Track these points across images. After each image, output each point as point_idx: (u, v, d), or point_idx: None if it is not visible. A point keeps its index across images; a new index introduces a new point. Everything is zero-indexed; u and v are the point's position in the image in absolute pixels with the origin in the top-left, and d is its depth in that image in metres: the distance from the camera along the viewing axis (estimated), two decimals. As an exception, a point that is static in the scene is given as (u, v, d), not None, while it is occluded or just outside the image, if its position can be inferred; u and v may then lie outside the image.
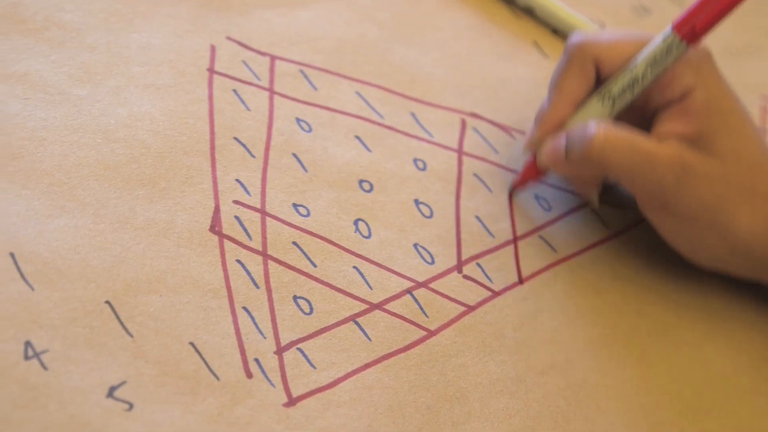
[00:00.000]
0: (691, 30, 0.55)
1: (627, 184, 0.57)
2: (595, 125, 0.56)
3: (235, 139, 0.56)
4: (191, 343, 0.49)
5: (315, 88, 0.60)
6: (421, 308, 0.54)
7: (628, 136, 0.56)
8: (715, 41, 0.60)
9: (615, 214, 0.61)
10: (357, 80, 0.61)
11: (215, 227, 0.53)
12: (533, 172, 0.60)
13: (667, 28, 0.56)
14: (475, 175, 0.60)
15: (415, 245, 0.56)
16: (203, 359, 0.49)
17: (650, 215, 0.58)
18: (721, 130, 0.56)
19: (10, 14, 0.56)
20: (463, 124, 0.62)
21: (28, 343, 0.47)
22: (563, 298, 0.57)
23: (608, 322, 0.57)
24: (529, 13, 0.70)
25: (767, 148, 0.58)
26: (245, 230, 0.54)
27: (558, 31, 0.70)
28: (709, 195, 0.56)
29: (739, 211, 0.56)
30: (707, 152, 0.56)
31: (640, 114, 0.59)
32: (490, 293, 0.56)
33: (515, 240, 0.58)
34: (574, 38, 0.59)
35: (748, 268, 0.58)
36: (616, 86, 0.57)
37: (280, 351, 0.51)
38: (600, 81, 0.59)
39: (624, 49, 0.58)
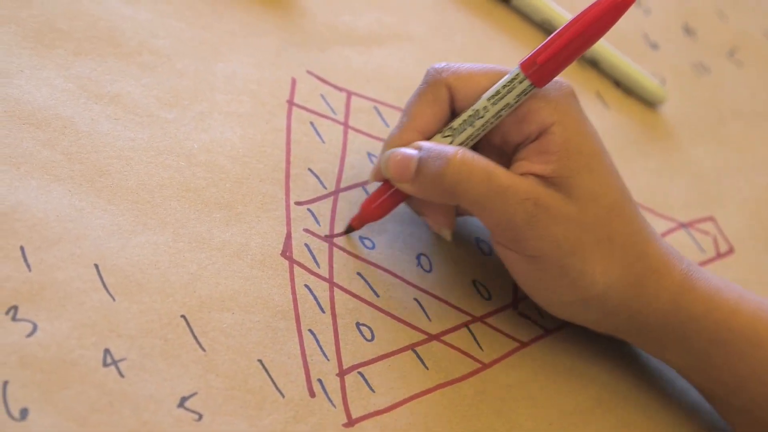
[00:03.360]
0: (536, 68, 0.53)
1: (479, 216, 0.54)
2: (455, 148, 0.53)
3: (309, 169, 0.59)
4: (259, 361, 0.52)
5: (387, 125, 0.62)
6: (477, 341, 0.57)
7: (485, 165, 0.53)
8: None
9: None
10: (426, 119, 0.64)
11: (286, 252, 0.56)
12: (374, 208, 0.57)
13: (516, 66, 0.54)
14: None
15: (474, 281, 0.59)
16: (270, 376, 0.51)
17: (501, 253, 0.55)
18: (580, 171, 0.53)
19: (107, 38, 0.58)
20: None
21: (107, 351, 0.49)
22: (612, 337, 0.59)
23: (654, 361, 0.59)
24: (594, 65, 0.72)
25: (627, 192, 0.55)
26: (314, 257, 0.56)
27: (620, 84, 0.72)
28: (563, 238, 0.53)
29: (594, 259, 0.53)
30: (565, 194, 0.53)
31: (498, 152, 0.56)
32: (543, 331, 0.58)
33: (570, 281, 0.61)
34: (435, 65, 0.56)
35: (601, 320, 0.55)
36: (458, 119, 0.55)
37: (342, 373, 0.53)
38: (455, 113, 0.56)
39: (478, 81, 0.55)
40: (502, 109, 0.54)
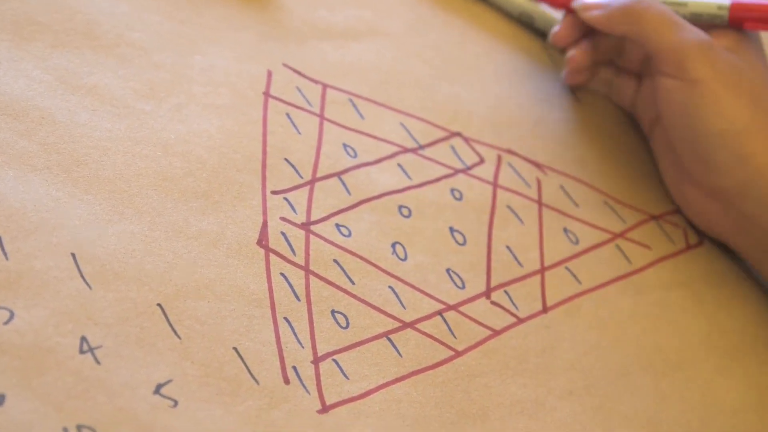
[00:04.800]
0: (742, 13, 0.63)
1: (651, 43, 0.62)
2: None
3: (285, 159, 0.59)
4: (234, 348, 0.52)
5: (362, 117, 0.63)
6: (450, 329, 0.57)
7: (669, 9, 0.62)
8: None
9: (639, 251, 0.64)
10: (402, 112, 0.64)
11: (262, 241, 0.56)
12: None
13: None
14: (508, 207, 0.63)
15: (448, 270, 0.59)
16: (245, 364, 0.52)
17: (661, 83, 0.62)
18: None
19: (84, 31, 0.59)
20: (499, 159, 0.65)
21: (83, 338, 0.49)
22: (584, 328, 0.60)
23: (626, 353, 0.60)
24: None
25: None
26: (290, 246, 0.57)
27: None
28: (725, 68, 0.61)
29: (743, 102, 0.61)
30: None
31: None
32: (515, 319, 0.59)
33: (542, 270, 0.61)
34: None
35: (735, 169, 0.61)
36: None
37: (316, 360, 0.54)
38: None
39: None
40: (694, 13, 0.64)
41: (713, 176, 0.61)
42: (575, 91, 0.70)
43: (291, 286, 0.55)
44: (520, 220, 0.63)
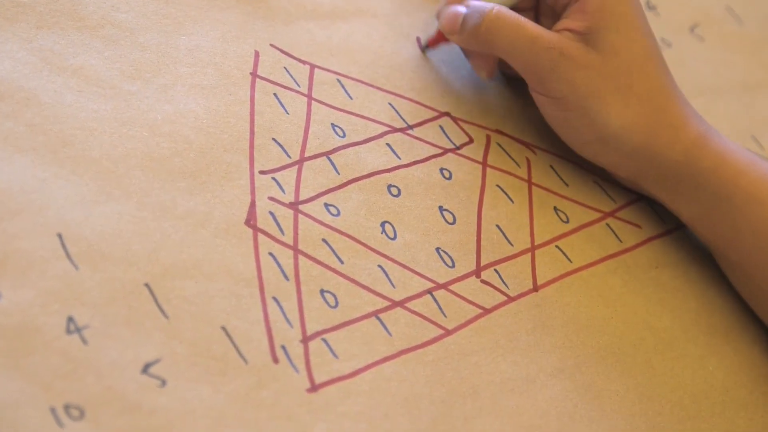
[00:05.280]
0: None
1: (512, 63, 0.62)
2: (492, 5, 0.62)
3: (273, 139, 0.59)
4: (222, 327, 0.52)
5: (351, 97, 0.63)
6: (440, 308, 0.57)
7: (516, 19, 0.62)
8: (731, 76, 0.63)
9: (629, 230, 0.64)
10: (390, 92, 0.64)
11: (250, 221, 0.56)
12: (442, 36, 0.65)
13: None
14: (498, 186, 0.63)
15: (438, 249, 0.59)
16: (233, 343, 0.52)
17: (535, 98, 0.63)
18: (609, 27, 0.61)
19: (69, 11, 0.58)
20: (488, 139, 0.65)
21: (70, 319, 0.50)
22: (575, 306, 0.60)
23: (616, 331, 0.60)
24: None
25: (654, 51, 0.62)
26: (278, 225, 0.56)
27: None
28: (582, 84, 0.60)
29: (611, 104, 0.60)
30: (592, 47, 0.61)
31: (552, 14, 0.65)
32: (505, 298, 0.59)
33: (533, 249, 0.61)
34: None
35: (619, 162, 0.62)
36: None
37: (305, 340, 0.53)
38: None
39: None
40: None
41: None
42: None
43: (279, 265, 0.55)
44: (510, 199, 0.63)
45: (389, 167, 0.61)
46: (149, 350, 0.50)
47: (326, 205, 0.58)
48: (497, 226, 0.61)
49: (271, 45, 0.63)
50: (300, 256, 0.56)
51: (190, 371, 0.50)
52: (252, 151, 0.58)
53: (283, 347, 0.53)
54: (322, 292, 0.55)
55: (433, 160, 0.62)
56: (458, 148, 0.63)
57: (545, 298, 0.59)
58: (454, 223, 0.60)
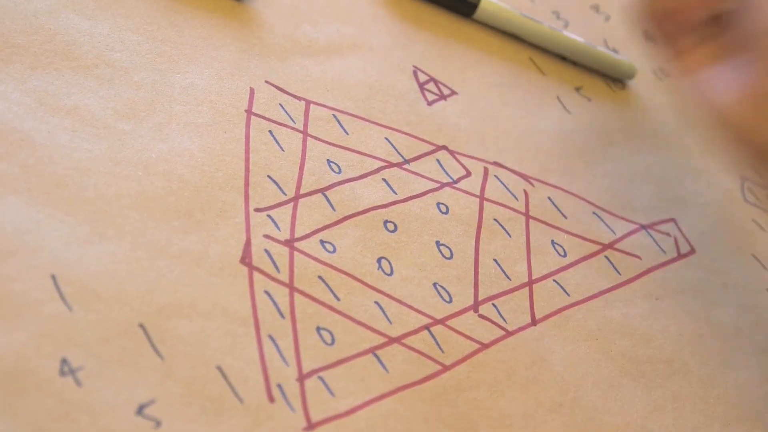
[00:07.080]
0: None
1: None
2: None
3: (269, 177, 0.59)
4: (218, 367, 0.52)
5: (346, 133, 0.63)
6: (438, 344, 0.57)
7: None
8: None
9: (629, 262, 0.64)
10: (386, 127, 0.64)
11: (246, 259, 0.56)
12: None
13: None
14: (495, 220, 0.62)
15: (435, 284, 0.59)
16: (228, 383, 0.51)
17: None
18: None
19: (64, 51, 0.58)
20: (486, 172, 0.64)
21: (64, 360, 0.49)
22: (573, 340, 0.59)
23: (616, 365, 0.59)
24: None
25: None
26: (274, 263, 0.56)
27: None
28: None
29: None
30: None
31: None
32: (503, 332, 0.58)
33: (530, 283, 0.61)
34: None
35: None
36: None
37: (302, 378, 0.53)
38: None
39: None
40: None
41: None
42: (564, 102, 0.70)
43: (275, 303, 0.55)
44: (508, 232, 0.62)
45: (385, 203, 0.61)
46: (144, 391, 0.50)
47: (322, 241, 0.58)
48: (495, 260, 0.61)
49: (267, 82, 0.63)
50: (296, 294, 0.55)
51: (185, 412, 0.50)
52: (247, 189, 0.58)
53: (279, 386, 0.52)
54: (318, 329, 0.55)
55: (430, 194, 0.62)
56: (455, 181, 0.63)
57: (544, 333, 0.59)
58: (451, 257, 0.60)
